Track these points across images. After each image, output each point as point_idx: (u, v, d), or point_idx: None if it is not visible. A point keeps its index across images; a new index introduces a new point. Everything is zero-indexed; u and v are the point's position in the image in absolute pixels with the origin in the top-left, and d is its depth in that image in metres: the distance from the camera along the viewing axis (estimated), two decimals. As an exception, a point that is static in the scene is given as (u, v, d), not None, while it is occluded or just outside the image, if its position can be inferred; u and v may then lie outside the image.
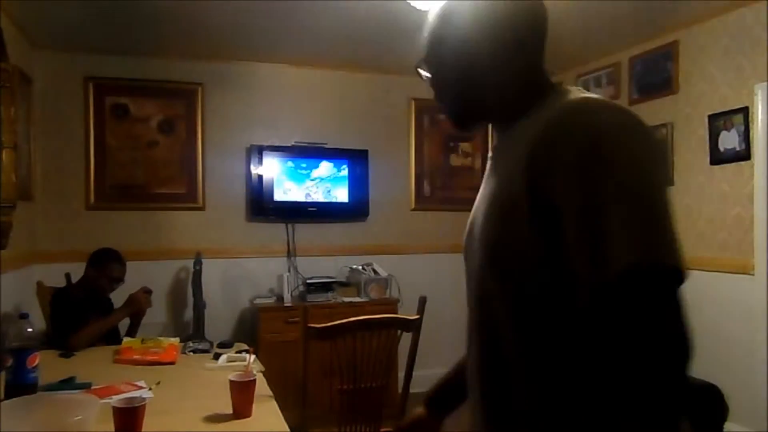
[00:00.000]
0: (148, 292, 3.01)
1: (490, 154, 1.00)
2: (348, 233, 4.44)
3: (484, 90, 0.92)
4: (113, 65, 3.93)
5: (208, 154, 4.13)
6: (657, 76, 3.66)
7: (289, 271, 4.15)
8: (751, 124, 3.07)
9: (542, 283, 0.79)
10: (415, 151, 4.65)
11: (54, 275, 3.28)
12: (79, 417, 1.37)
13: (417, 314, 2.27)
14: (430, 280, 4.41)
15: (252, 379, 1.68)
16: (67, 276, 3.28)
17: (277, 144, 4.18)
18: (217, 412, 1.66)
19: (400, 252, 4.52)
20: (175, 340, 2.51)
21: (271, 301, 4.04)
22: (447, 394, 1.22)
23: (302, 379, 2.20)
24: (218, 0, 3.04)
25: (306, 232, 4.31)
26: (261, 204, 4.09)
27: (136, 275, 3.26)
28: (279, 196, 4.11)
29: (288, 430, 1.60)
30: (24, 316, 1.80)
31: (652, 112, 3.69)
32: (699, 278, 3.36)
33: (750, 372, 3.06)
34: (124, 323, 2.96)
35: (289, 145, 4.22)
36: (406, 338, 2.26)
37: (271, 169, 4.09)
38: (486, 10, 0.90)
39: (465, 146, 4.82)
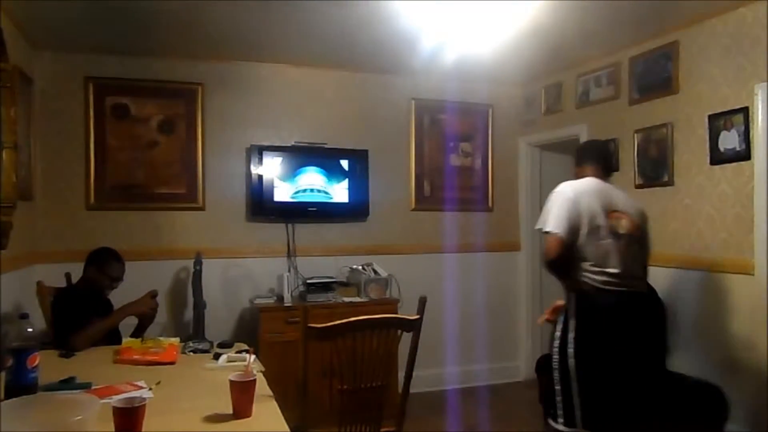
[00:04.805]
0: (155, 295, 2.99)
1: None
2: (348, 233, 4.44)
3: None
4: (113, 65, 3.93)
5: (208, 154, 4.14)
6: (657, 76, 3.66)
7: (289, 271, 4.15)
8: (751, 124, 3.07)
9: None
10: (415, 151, 4.65)
11: (54, 275, 3.28)
12: (79, 417, 1.36)
13: (417, 314, 2.27)
14: (430, 280, 4.42)
15: (252, 379, 1.68)
16: (67, 276, 3.28)
17: (277, 144, 4.19)
18: (217, 412, 1.66)
19: (400, 252, 4.52)
20: (175, 340, 2.50)
21: (271, 301, 4.04)
22: None
23: (302, 379, 2.20)
24: (218, 0, 3.04)
25: (306, 232, 4.31)
26: (261, 204, 4.09)
27: (137, 275, 3.26)
28: (279, 196, 4.11)
29: (288, 430, 1.60)
30: (24, 316, 1.79)
31: (652, 112, 3.70)
32: (699, 278, 3.35)
33: (750, 372, 3.06)
34: (127, 325, 2.93)
35: (289, 145, 4.22)
36: (406, 338, 2.26)
37: (271, 169, 4.09)
38: None
39: (465, 146, 4.82)
